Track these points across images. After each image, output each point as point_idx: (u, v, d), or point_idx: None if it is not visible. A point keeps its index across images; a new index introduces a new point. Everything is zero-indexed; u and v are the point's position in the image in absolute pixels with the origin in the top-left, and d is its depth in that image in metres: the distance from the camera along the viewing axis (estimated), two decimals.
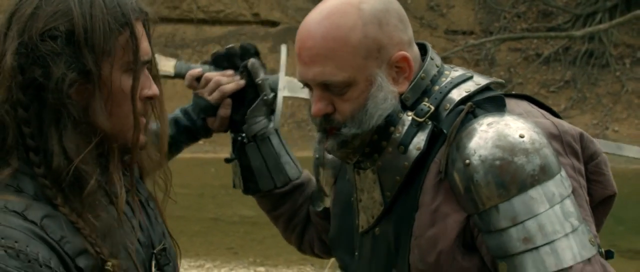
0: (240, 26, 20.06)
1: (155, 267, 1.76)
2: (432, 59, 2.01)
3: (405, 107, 1.94)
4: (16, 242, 1.46)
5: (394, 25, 1.92)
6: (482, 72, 14.46)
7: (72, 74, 1.56)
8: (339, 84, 1.91)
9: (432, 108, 1.92)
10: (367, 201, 2.04)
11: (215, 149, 16.70)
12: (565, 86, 18.99)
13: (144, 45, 1.69)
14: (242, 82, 2.38)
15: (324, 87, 1.94)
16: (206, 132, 2.43)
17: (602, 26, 18.48)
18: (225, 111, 2.38)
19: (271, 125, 2.45)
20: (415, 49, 2.01)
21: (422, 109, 1.92)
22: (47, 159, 1.56)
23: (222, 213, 12.09)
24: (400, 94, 1.94)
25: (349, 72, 1.89)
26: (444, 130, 1.89)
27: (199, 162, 15.23)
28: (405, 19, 1.97)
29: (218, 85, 2.36)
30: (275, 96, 2.43)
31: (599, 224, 1.94)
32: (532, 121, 1.86)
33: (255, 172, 2.44)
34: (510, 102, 1.94)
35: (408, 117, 1.93)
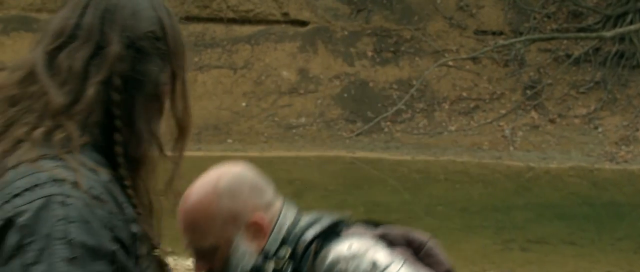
0: (270, 26, 20.10)
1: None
2: (285, 214, 2.35)
3: (268, 257, 2.30)
4: (101, 193, 1.63)
5: (247, 194, 2.32)
6: (512, 73, 14.47)
7: (165, 73, 1.81)
8: (206, 249, 2.29)
9: (289, 250, 2.28)
10: None
11: (245, 148, 16.77)
12: (595, 87, 18.88)
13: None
14: None
15: (198, 252, 2.31)
16: None
17: (632, 27, 18.37)
18: None
19: None
20: (277, 205, 2.37)
21: (279, 255, 2.29)
22: (131, 142, 1.76)
23: None
24: (263, 248, 2.30)
25: (211, 239, 2.28)
26: (303, 270, 2.27)
27: (228, 161, 15.27)
28: (259, 187, 2.35)
29: None
30: None
31: None
32: (359, 234, 2.28)
33: None
34: (348, 231, 2.32)
35: (271, 265, 2.29)
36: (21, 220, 1.53)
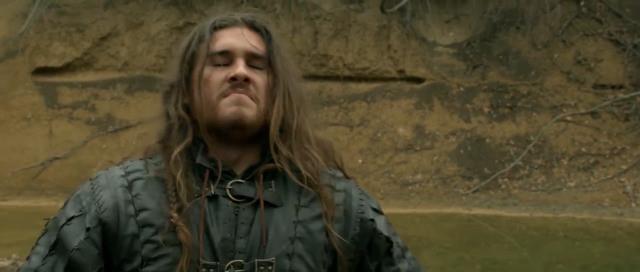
0: (386, 83, 20.24)
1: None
2: None
3: None
4: (98, 179, 2.03)
5: None
6: (633, 127, 14.18)
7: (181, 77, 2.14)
8: None
9: None
10: None
11: None
12: None
13: (224, 41, 2.06)
14: None
15: None
16: None
17: None
18: None
19: None
20: None
21: None
22: None
23: None
24: None
25: None
26: None
27: None
28: None
29: None
30: None
31: None
32: None
33: None
34: None
35: None
36: None
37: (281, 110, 2.03)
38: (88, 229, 1.93)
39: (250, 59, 2.04)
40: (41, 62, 20.25)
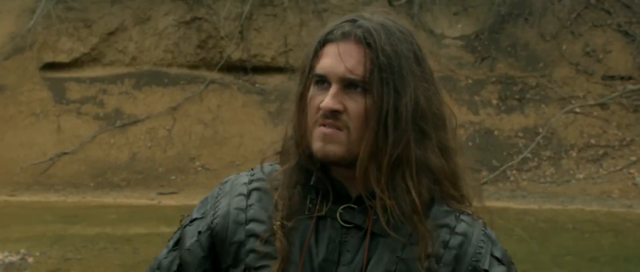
0: None
1: None
2: None
3: None
4: (226, 184, 2.07)
5: None
6: None
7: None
8: None
9: None
10: None
11: None
12: None
13: (323, 62, 1.92)
14: None
15: None
16: None
17: None
18: None
19: None
20: None
21: None
22: None
23: None
24: None
25: None
26: None
27: None
28: None
29: None
30: None
31: None
32: None
33: None
34: None
35: None
36: None
37: (371, 142, 1.88)
38: (199, 233, 2.03)
39: (347, 83, 1.89)
40: (49, 58, 20.28)
